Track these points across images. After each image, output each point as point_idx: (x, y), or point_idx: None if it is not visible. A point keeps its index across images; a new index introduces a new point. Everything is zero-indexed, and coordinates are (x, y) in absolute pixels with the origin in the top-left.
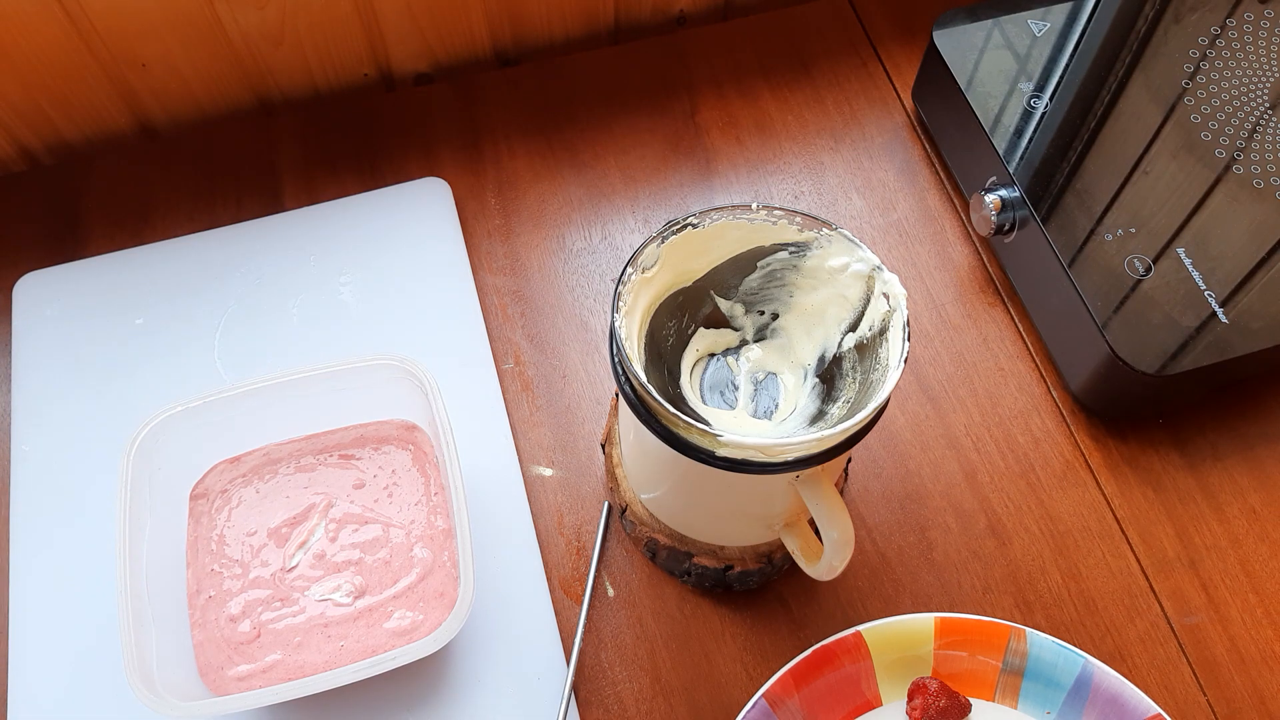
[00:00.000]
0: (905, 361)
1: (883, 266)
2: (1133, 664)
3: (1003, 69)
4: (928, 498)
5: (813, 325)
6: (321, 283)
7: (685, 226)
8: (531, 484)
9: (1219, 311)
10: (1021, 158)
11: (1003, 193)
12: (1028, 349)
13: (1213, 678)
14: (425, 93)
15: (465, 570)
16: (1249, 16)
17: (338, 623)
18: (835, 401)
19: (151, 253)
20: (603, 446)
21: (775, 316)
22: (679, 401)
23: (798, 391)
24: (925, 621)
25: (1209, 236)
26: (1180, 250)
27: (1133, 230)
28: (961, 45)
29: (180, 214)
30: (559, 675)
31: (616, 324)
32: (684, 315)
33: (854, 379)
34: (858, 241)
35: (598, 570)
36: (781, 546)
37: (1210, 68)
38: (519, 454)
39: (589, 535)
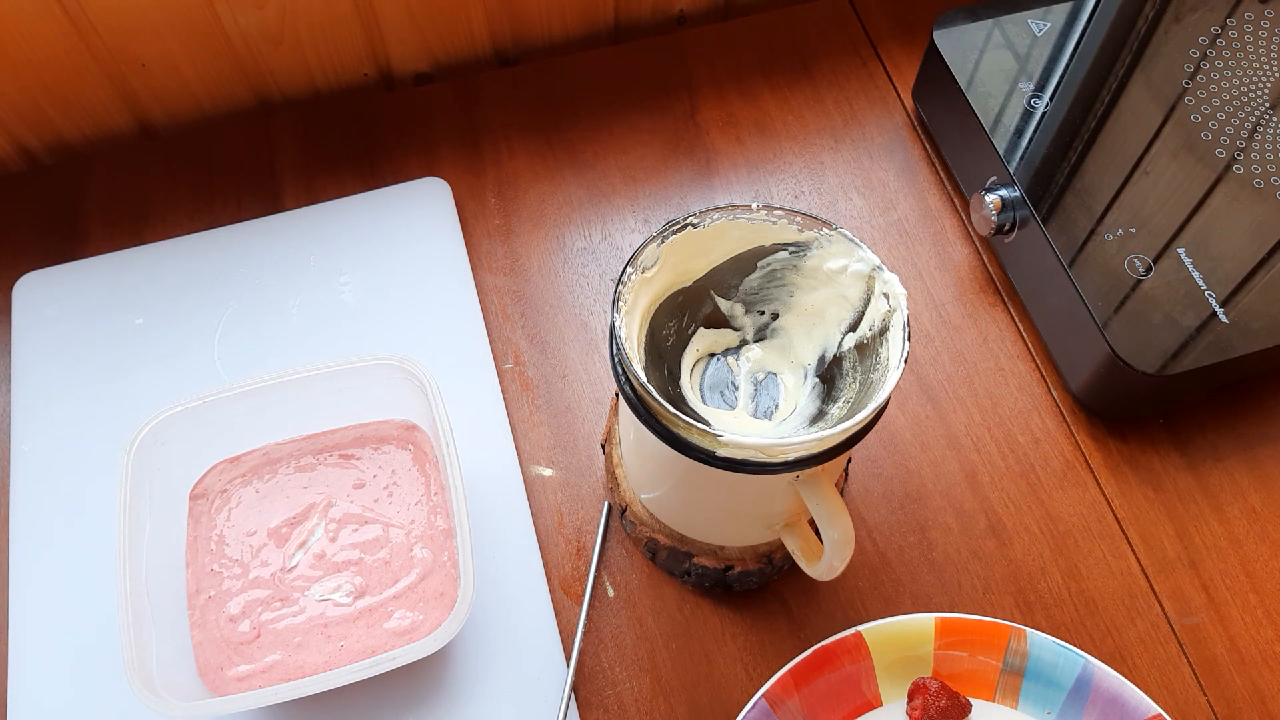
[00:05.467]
0: (905, 361)
1: (883, 266)
2: (1133, 664)
3: (1003, 69)
4: (928, 498)
5: (813, 325)
6: (321, 283)
7: (685, 226)
8: (531, 484)
9: (1219, 311)
10: (1022, 157)
11: (1003, 192)
12: (1028, 349)
13: (1213, 678)
14: (425, 93)
15: (465, 570)
16: (1249, 16)
17: (338, 623)
18: (835, 401)
19: (151, 253)
20: (603, 446)
21: (775, 316)
22: (679, 401)
23: (798, 391)
24: (925, 622)
25: (1209, 236)
26: (1180, 250)
27: (1133, 230)
28: (962, 45)
29: (180, 214)
30: (559, 675)
31: (616, 324)
32: (684, 315)
33: (854, 379)
34: (858, 241)
35: (598, 570)
36: (781, 546)
37: (1210, 68)
38: (519, 454)
39: (589, 535)
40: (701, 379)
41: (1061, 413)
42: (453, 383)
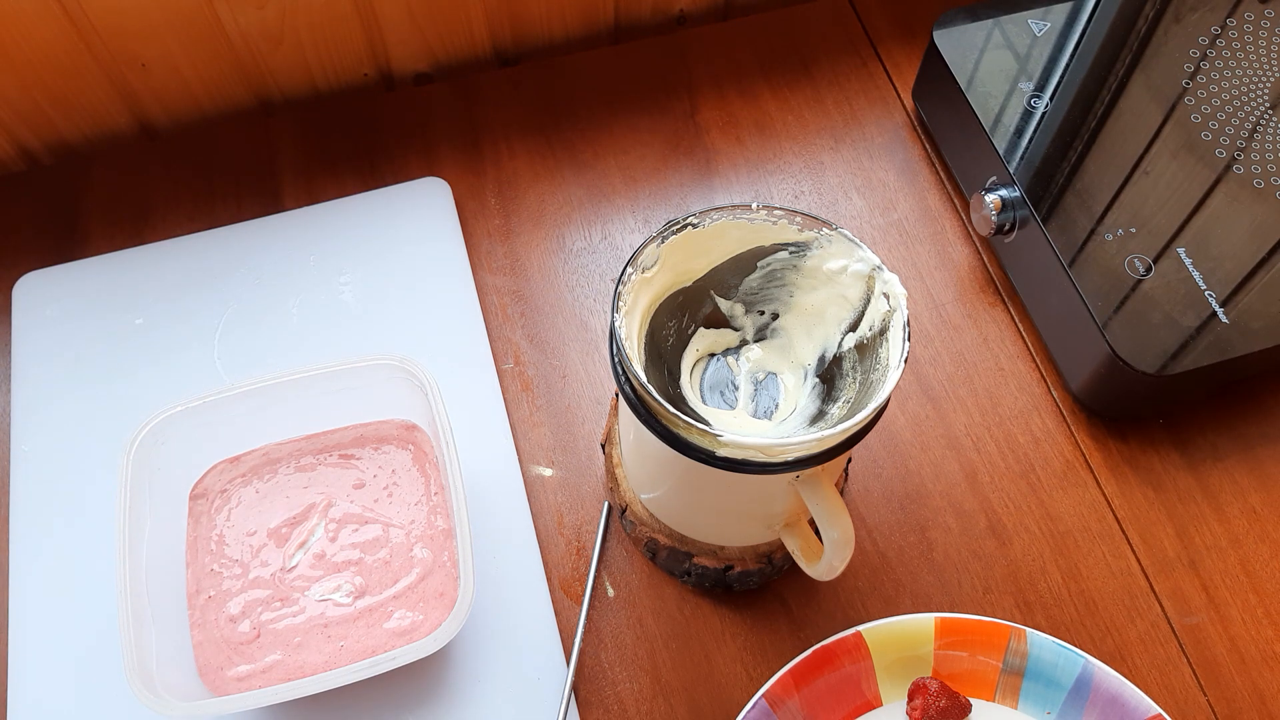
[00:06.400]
0: (905, 361)
1: (883, 266)
2: (1133, 664)
3: (1003, 69)
4: (928, 498)
5: (813, 325)
6: (321, 283)
7: (685, 226)
8: (531, 484)
9: (1219, 311)
10: (1022, 157)
11: (1003, 192)
12: (1028, 349)
13: (1213, 678)
14: (425, 93)
15: (465, 570)
16: (1249, 16)
17: (338, 623)
18: (835, 401)
19: (151, 253)
20: (603, 446)
21: (775, 316)
22: (679, 401)
23: (798, 391)
24: (925, 621)
25: (1209, 236)
26: (1180, 250)
27: (1133, 230)
28: (962, 45)
29: (180, 214)
30: (559, 675)
31: (616, 324)
32: (684, 315)
33: (854, 379)
34: (858, 241)
35: (598, 570)
36: (781, 546)
37: (1210, 68)
38: (519, 454)
39: (589, 535)
40: (701, 379)
41: (1061, 413)
42: (453, 383)
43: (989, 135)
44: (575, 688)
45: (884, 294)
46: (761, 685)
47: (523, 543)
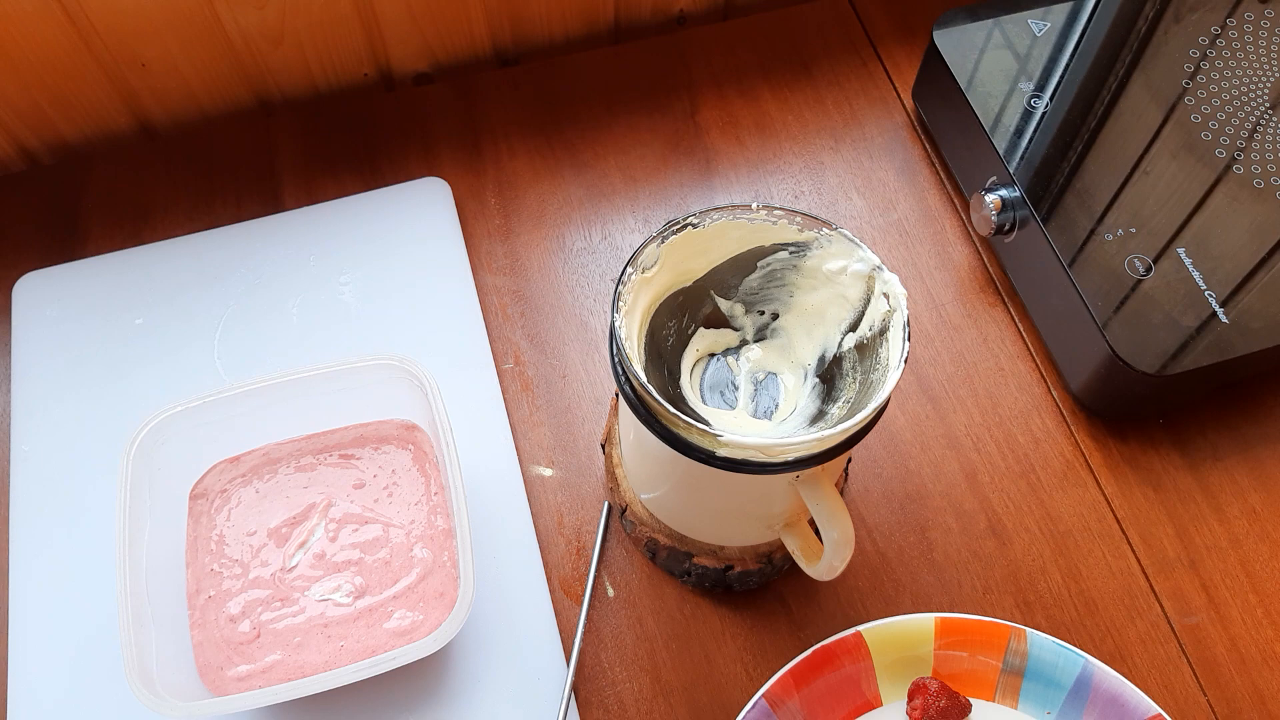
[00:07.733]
0: (905, 361)
1: (883, 266)
2: (1133, 664)
3: (1003, 69)
4: (928, 498)
5: (813, 325)
6: (321, 283)
7: (685, 226)
8: (531, 484)
9: (1219, 311)
10: (1022, 157)
11: (1003, 192)
12: (1028, 349)
13: (1213, 678)
14: (425, 93)
15: (465, 570)
16: (1249, 16)
17: (338, 623)
18: (835, 401)
19: (151, 253)
20: (603, 446)
21: (775, 316)
22: (679, 401)
23: (798, 391)
24: (925, 621)
25: (1209, 236)
26: (1180, 250)
27: (1133, 230)
28: (962, 45)
29: (180, 214)
30: (559, 675)
31: (616, 324)
32: (684, 315)
33: (854, 379)
34: (858, 241)
35: (598, 570)
36: (781, 546)
37: (1210, 68)
38: (519, 454)
39: (589, 535)
40: (701, 379)
41: (1061, 413)
42: (453, 383)
43: (989, 135)
44: (575, 688)
45: (884, 294)
46: (761, 685)
47: (523, 543)
